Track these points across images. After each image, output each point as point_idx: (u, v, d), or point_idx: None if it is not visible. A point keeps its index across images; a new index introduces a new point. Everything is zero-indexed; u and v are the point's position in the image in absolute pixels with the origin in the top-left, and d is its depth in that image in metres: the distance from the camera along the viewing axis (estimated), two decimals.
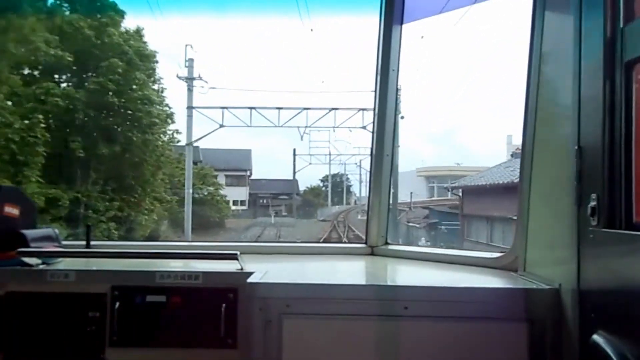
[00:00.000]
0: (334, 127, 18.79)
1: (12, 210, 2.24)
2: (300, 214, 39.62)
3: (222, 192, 27.11)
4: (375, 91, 2.78)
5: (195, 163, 26.30)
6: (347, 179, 49.35)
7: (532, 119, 1.94)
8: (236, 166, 38.33)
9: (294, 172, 35.66)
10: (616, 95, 1.42)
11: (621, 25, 1.42)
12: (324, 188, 48.73)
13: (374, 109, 2.80)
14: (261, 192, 42.02)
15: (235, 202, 37.36)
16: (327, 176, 46.36)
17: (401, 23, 2.73)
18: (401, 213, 18.97)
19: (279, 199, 41.55)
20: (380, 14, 2.74)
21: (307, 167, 34.69)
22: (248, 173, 40.02)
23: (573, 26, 1.60)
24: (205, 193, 24.50)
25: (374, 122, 2.81)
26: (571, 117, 1.60)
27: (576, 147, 1.57)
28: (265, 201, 41.47)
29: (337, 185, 50.07)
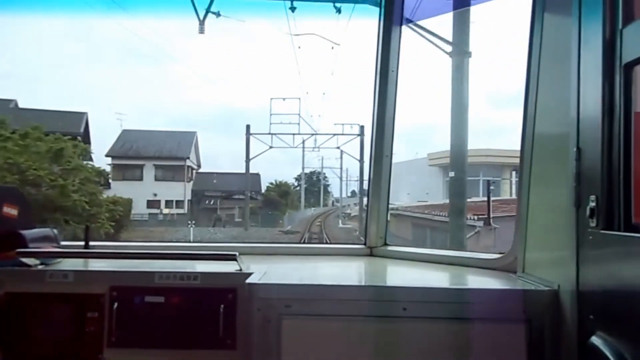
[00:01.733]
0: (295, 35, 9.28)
1: (11, 211, 2.24)
2: (260, 220, 28.57)
3: (99, 185, 17.09)
4: (375, 92, 2.78)
5: (64, 135, 14.90)
6: (325, 177, 38.80)
7: (531, 120, 1.95)
8: (171, 153, 27.05)
9: (247, 159, 24.20)
10: (615, 97, 1.43)
11: (620, 27, 1.43)
12: (297, 188, 37.46)
13: (373, 110, 2.79)
14: (209, 190, 30.76)
15: (168, 204, 27.05)
16: (300, 175, 34.93)
17: (401, 24, 2.73)
18: (469, 232, 9.60)
19: (231, 199, 30.65)
20: (380, 14, 2.74)
21: (267, 151, 24.49)
22: (193, 164, 28.99)
23: (572, 28, 1.61)
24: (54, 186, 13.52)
25: (373, 123, 2.81)
26: (570, 118, 1.61)
27: (575, 149, 1.57)
28: (212, 202, 30.62)
29: (314, 185, 40.11)
